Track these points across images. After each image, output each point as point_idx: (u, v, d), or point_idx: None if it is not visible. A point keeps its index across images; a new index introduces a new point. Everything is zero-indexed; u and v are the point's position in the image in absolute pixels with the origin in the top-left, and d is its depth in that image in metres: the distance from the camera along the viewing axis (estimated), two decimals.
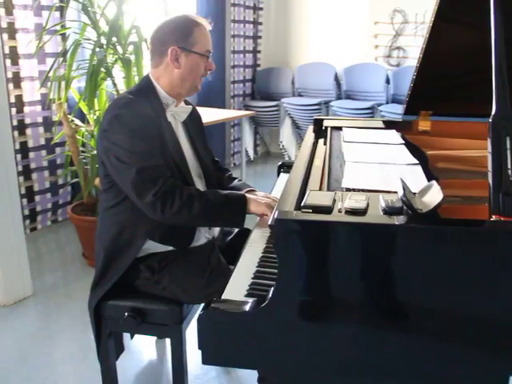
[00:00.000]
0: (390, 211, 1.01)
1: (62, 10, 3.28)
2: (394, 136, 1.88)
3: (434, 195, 1.02)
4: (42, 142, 3.46)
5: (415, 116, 2.17)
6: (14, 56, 3.19)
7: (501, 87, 1.07)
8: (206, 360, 1.12)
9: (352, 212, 1.02)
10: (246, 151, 5.72)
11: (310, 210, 1.03)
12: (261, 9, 5.53)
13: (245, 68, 5.49)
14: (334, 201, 1.07)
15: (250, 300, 1.12)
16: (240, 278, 1.30)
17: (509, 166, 1.02)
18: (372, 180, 1.25)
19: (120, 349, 1.90)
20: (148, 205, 1.54)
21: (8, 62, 3.17)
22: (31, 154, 3.41)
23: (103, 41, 2.71)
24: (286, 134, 5.38)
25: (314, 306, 1.03)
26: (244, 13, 5.28)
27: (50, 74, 2.80)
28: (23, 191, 3.40)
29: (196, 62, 1.65)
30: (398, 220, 0.98)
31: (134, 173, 1.52)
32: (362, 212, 1.02)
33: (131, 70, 2.60)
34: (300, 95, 5.41)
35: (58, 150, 3.53)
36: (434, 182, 1.10)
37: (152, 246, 1.68)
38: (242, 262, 1.40)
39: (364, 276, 1.00)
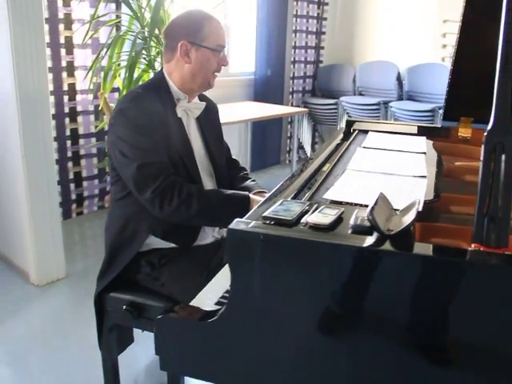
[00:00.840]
0: (357, 229, 0.91)
1: (117, 1, 3.35)
2: (420, 144, 1.73)
3: (410, 215, 0.91)
4: (92, 129, 3.56)
5: (456, 122, 2.01)
6: (69, 46, 3.31)
7: (503, 95, 0.92)
8: (163, 366, 1.08)
9: (315, 228, 0.93)
10: (303, 148, 5.61)
11: (272, 222, 0.95)
12: (326, 4, 5.38)
13: (306, 64, 5.38)
14: (303, 213, 0.98)
15: (215, 308, 1.07)
16: (217, 285, 1.24)
17: (501, 189, 0.88)
18: (362, 192, 1.14)
19: (129, 340, 1.91)
20: (147, 201, 1.54)
21: (63, 51, 3.29)
22: (81, 141, 3.53)
23: (147, 33, 2.73)
24: None
25: (264, 322, 0.95)
26: (307, 8, 5.16)
27: (98, 65, 2.86)
28: (71, 176, 3.53)
29: (206, 57, 1.61)
30: (353, 240, 0.88)
31: (135, 168, 1.52)
32: (326, 228, 0.92)
33: None
34: (361, 94, 5.22)
35: (107, 137, 3.62)
36: (418, 200, 0.98)
37: (155, 242, 1.66)
38: (227, 267, 1.34)
39: (317, 298, 0.90)
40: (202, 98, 1.82)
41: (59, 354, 2.18)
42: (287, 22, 4.98)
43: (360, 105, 4.89)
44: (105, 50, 2.81)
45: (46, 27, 3.18)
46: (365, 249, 0.86)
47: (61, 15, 3.23)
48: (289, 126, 5.41)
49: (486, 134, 0.91)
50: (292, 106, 5.30)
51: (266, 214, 0.97)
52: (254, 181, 1.89)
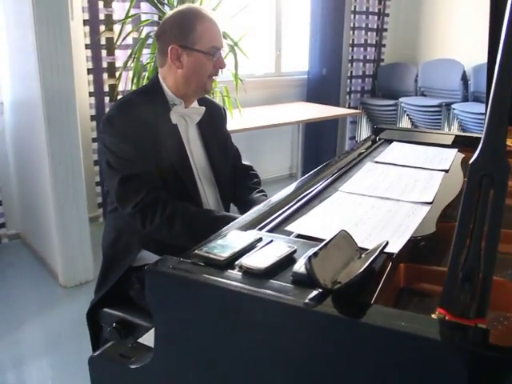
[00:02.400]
0: (296, 279, 0.73)
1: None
2: (447, 158, 1.48)
3: (360, 265, 0.71)
4: None
5: None
6: (110, 46, 3.29)
7: (498, 110, 0.70)
8: None
9: (248, 272, 0.75)
10: None
11: (202, 262, 0.79)
12: None
13: (365, 63, 5.09)
14: (245, 251, 0.81)
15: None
16: None
17: (485, 236, 0.66)
18: (337, 224, 0.95)
19: None
20: (129, 216, 1.47)
21: (104, 52, 3.28)
22: None
23: None
24: None
25: (187, 368, 0.80)
26: (367, 3, 4.86)
27: (129, 65, 2.81)
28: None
29: (199, 61, 1.48)
30: (276, 293, 0.70)
31: (117, 181, 1.44)
32: (259, 274, 0.75)
33: None
34: (423, 94, 4.85)
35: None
36: (385, 242, 0.78)
37: (148, 256, 1.56)
38: None
39: (234, 349, 0.73)
40: (206, 101, 1.68)
41: (79, 356, 2.13)
42: (344, 18, 4.72)
43: (420, 106, 4.54)
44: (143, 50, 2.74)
45: (87, 28, 3.19)
46: (283, 305, 0.68)
47: (101, 16, 3.22)
48: (348, 127, 5.15)
49: (471, 161, 0.70)
50: (349, 106, 5.04)
51: (197, 251, 0.81)
52: (262, 192, 1.72)
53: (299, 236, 0.91)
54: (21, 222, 3.25)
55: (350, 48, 4.88)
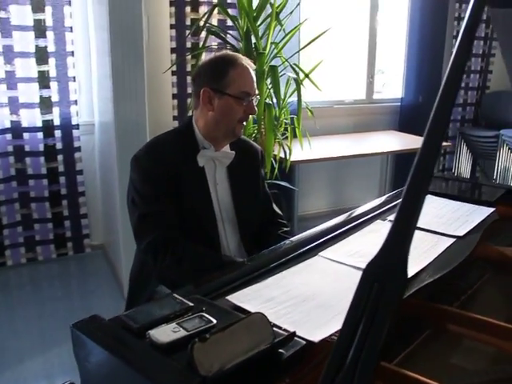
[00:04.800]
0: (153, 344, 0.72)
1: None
2: (473, 221, 1.35)
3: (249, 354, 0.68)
4: None
5: None
6: None
7: (401, 224, 0.63)
8: None
9: (152, 345, 0.76)
10: None
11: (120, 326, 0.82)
12: None
13: (467, 90, 4.76)
14: (163, 320, 0.81)
15: None
16: None
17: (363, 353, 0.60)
18: (282, 298, 0.91)
19: None
20: (142, 252, 1.55)
21: (189, 78, 3.43)
22: None
23: None
24: (500, 169, 4.49)
25: None
26: None
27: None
28: None
29: (229, 105, 1.51)
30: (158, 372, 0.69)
31: (136, 217, 1.53)
32: (161, 348, 0.75)
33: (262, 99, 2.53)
34: None
35: None
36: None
37: (166, 291, 1.61)
38: None
39: None
40: (243, 144, 1.71)
41: None
42: (445, 43, 4.46)
43: None
44: None
45: (173, 56, 3.38)
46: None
47: (188, 44, 3.39)
48: (442, 158, 4.86)
49: (368, 262, 0.64)
50: (447, 136, 4.75)
51: (124, 314, 0.83)
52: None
53: (236, 308, 0.89)
54: (103, 234, 3.52)
55: None
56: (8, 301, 2.97)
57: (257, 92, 1.57)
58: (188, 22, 3.36)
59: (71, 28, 3.07)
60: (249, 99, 1.53)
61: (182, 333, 0.77)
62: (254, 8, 2.63)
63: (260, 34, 2.74)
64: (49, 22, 2.99)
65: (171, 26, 3.33)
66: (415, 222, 0.62)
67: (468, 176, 4.97)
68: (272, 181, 3.07)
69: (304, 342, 0.77)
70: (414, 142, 4.00)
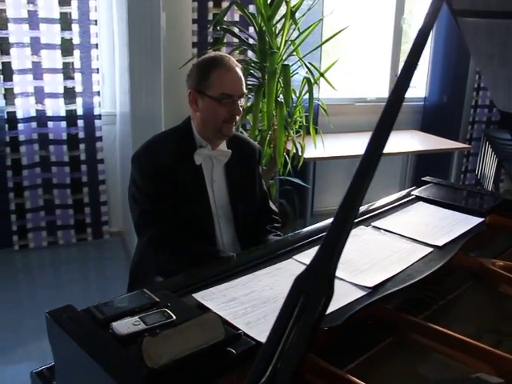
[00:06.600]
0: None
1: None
2: (457, 231, 1.36)
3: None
4: None
5: None
6: None
7: (330, 240, 0.67)
8: None
9: (114, 337, 0.83)
10: (483, 186, 4.91)
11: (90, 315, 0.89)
12: None
13: None
14: (129, 313, 0.88)
15: None
16: None
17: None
18: (243, 300, 0.96)
19: None
20: (143, 246, 1.62)
21: None
22: None
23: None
24: None
25: None
26: None
27: None
28: None
29: (211, 107, 1.57)
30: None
31: (138, 213, 1.61)
32: (120, 339, 0.81)
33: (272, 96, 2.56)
34: None
35: None
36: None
37: None
38: None
39: None
40: (240, 141, 1.76)
41: None
42: None
43: None
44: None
45: (195, 50, 3.44)
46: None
47: (210, 39, 3.44)
48: (464, 160, 4.79)
49: (298, 274, 0.68)
50: (471, 137, 4.68)
51: (93, 305, 0.90)
52: (278, 235, 1.75)
53: (200, 305, 0.95)
54: (122, 222, 3.63)
55: (476, 75, 4.52)
56: (29, 281, 3.12)
57: (244, 91, 1.60)
58: (210, 17, 3.41)
59: (96, 21, 3.16)
60: (231, 100, 1.57)
61: (141, 326, 0.84)
62: (269, 7, 2.66)
63: (277, 31, 2.77)
64: (74, 15, 3.09)
65: (193, 21, 3.39)
66: (344, 240, 0.66)
67: (492, 178, 4.88)
68: (285, 177, 3.10)
69: (253, 343, 0.82)
70: (436, 142, 3.96)
